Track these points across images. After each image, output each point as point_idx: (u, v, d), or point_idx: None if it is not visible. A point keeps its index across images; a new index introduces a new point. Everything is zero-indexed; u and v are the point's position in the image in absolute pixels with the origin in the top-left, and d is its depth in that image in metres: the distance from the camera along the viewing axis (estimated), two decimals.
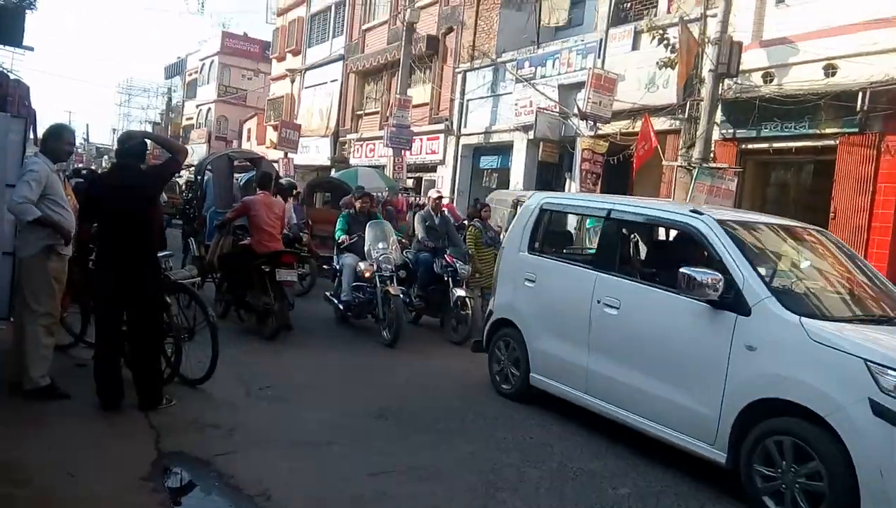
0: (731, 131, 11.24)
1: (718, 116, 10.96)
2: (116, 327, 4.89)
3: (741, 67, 10.53)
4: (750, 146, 11.25)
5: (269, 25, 32.89)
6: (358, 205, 9.23)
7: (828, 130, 9.89)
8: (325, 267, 10.59)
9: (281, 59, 31.39)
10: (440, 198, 9.49)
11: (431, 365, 7.24)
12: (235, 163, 11.57)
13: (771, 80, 10.76)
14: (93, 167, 39.07)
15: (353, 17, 25.41)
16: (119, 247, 4.80)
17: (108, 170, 5.64)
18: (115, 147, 5.29)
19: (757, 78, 10.93)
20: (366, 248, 8.24)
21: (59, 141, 5.08)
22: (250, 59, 40.53)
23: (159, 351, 5.09)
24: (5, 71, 14.64)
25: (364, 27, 24.61)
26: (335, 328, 8.68)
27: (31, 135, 10.22)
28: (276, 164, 26.42)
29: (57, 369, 5.08)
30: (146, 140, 5.49)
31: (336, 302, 8.64)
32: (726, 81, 10.71)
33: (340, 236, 8.64)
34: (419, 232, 9.05)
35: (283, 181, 10.66)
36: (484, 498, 3.97)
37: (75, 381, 5.07)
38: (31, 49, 9.73)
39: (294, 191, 11.69)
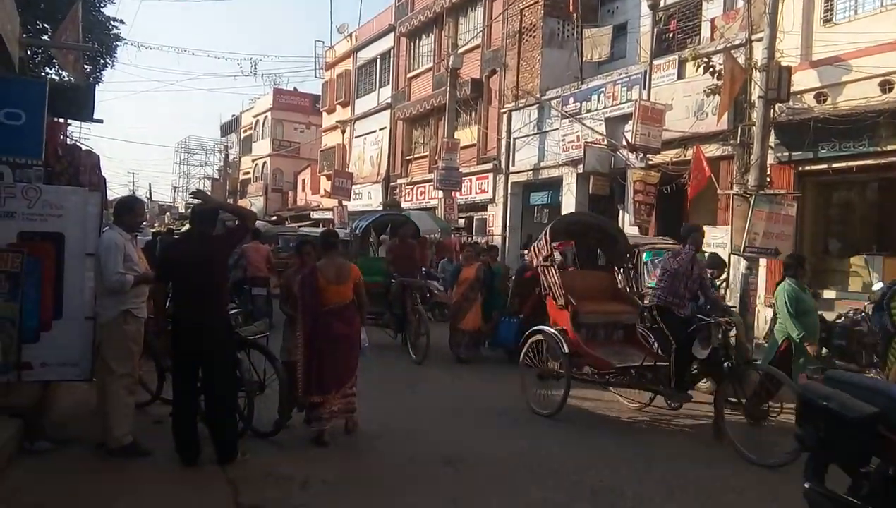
0: (786, 154, 11.05)
1: (772, 140, 10.79)
2: (192, 384, 5.09)
3: (792, 89, 10.39)
4: (808, 168, 11.03)
5: (319, 80, 34.02)
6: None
7: (889, 147, 9.63)
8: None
9: (331, 111, 32.39)
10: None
11: (490, 401, 7.23)
12: None
13: (825, 100, 10.59)
14: (156, 224, 40.76)
15: (398, 66, 26.13)
16: (192, 307, 5.03)
17: (183, 235, 5.92)
18: (190, 213, 5.58)
19: (810, 99, 10.77)
20: None
21: (131, 214, 5.50)
22: (302, 112, 41.88)
23: (233, 406, 5.27)
24: (77, 143, 15.55)
25: (409, 75, 25.25)
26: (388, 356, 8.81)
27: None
28: (330, 212, 27.22)
29: (135, 426, 5.28)
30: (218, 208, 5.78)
31: None
32: (778, 105, 10.57)
33: None
34: None
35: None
36: None
37: (154, 438, 5.28)
38: (101, 122, 10.35)
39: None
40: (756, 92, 10.62)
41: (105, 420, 5.12)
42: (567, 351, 6.67)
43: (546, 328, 7.10)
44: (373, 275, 10.65)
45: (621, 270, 7.73)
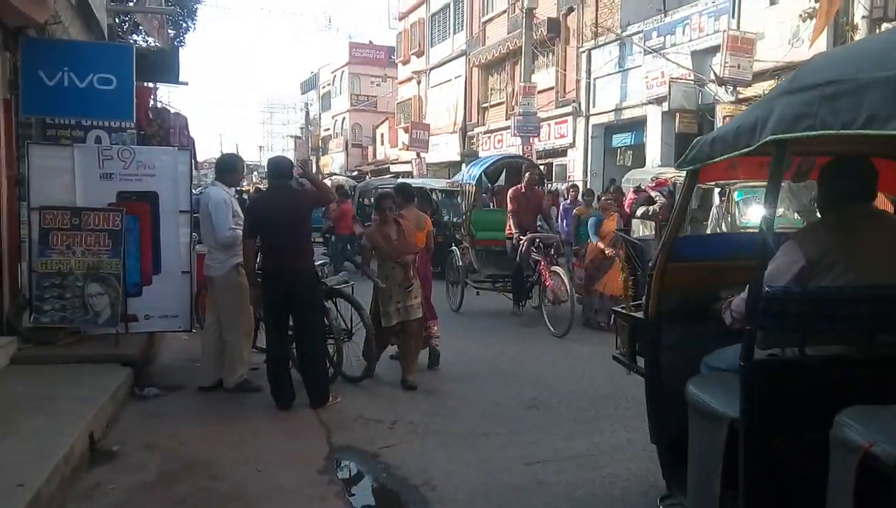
0: None
1: None
2: (283, 332, 5.32)
3: None
4: None
5: (392, 31, 33.85)
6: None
7: None
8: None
9: (406, 61, 32.24)
10: None
11: (578, 350, 7.20)
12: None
13: None
14: (244, 184, 42.11)
15: (472, 11, 25.60)
16: (279, 258, 5.20)
17: (266, 190, 6.13)
18: (267, 172, 5.72)
19: None
20: None
21: (234, 173, 5.84)
22: (377, 65, 41.83)
23: (323, 353, 5.47)
24: (166, 106, 16.17)
25: (483, 19, 24.72)
26: (472, 316, 8.86)
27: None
28: (409, 165, 27.33)
29: None
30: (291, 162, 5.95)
31: None
32: (884, 25, 9.73)
33: None
34: None
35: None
36: (644, 486, 3.92)
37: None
38: (186, 84, 10.69)
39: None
40: (859, 11, 9.80)
41: (227, 363, 5.50)
42: None
43: None
44: (491, 231, 9.21)
45: None
